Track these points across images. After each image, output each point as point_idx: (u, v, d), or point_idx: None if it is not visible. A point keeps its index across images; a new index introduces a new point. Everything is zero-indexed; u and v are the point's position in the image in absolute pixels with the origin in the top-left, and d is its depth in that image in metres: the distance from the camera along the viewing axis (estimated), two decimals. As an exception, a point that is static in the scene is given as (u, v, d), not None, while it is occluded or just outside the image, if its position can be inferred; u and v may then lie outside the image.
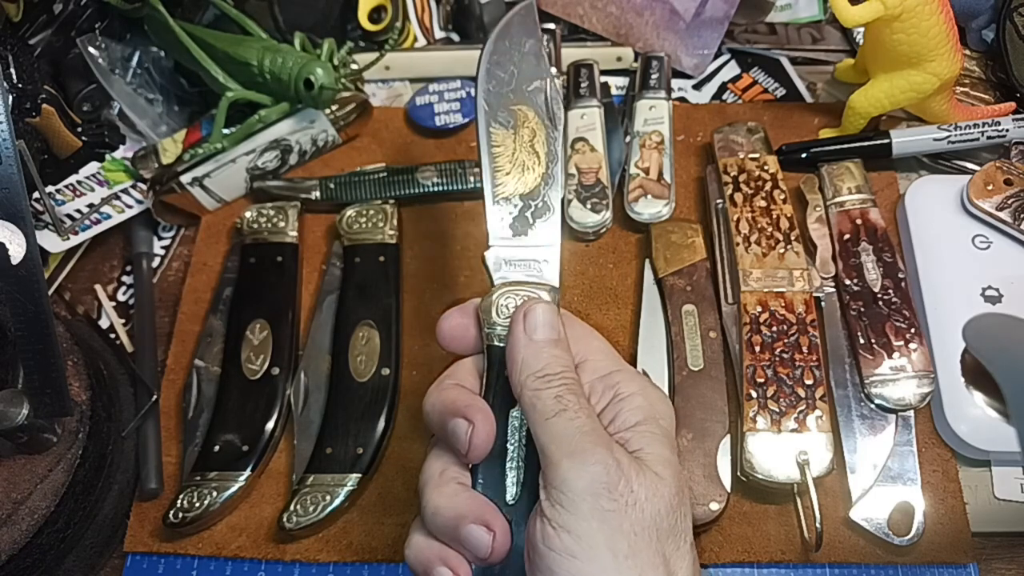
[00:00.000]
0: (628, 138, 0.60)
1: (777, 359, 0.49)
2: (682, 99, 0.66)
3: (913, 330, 0.50)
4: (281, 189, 0.60)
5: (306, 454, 0.49)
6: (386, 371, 0.51)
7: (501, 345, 0.37)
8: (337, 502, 0.47)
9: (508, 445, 0.35)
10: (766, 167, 0.56)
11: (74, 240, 0.57)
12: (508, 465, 0.35)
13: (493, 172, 0.40)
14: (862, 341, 0.50)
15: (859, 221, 0.54)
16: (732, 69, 0.68)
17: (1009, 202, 0.53)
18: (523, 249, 0.39)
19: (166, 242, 0.61)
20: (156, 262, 0.60)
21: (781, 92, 0.66)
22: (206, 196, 0.60)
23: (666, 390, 0.50)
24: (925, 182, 0.57)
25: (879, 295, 0.51)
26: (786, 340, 0.49)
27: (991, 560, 0.46)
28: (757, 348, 0.49)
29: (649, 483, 0.32)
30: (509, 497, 0.35)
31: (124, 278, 0.60)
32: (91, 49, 0.60)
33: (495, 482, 0.35)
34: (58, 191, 0.59)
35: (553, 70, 0.44)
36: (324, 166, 0.63)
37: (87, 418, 0.46)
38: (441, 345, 0.39)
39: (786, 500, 0.47)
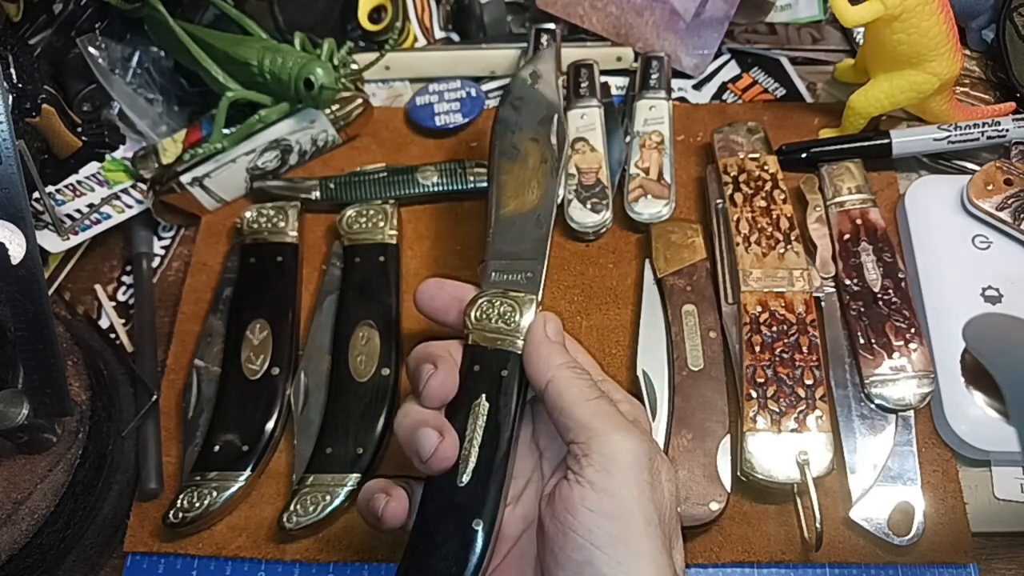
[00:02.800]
0: (628, 138, 0.60)
1: (777, 359, 0.49)
2: (682, 99, 0.66)
3: (913, 330, 0.50)
4: (281, 189, 0.60)
5: (306, 454, 0.49)
6: (386, 371, 0.51)
7: (476, 345, 0.40)
8: (337, 502, 0.47)
9: (465, 433, 0.38)
10: (766, 167, 0.56)
11: (74, 240, 0.57)
12: (463, 452, 0.37)
13: (499, 197, 0.44)
14: (862, 341, 0.50)
15: (859, 221, 0.54)
16: (732, 69, 0.68)
17: (1009, 202, 0.53)
18: (515, 263, 0.43)
19: (166, 242, 0.61)
20: (156, 262, 0.60)
21: (781, 92, 0.66)
22: (206, 196, 0.60)
23: (666, 390, 0.50)
24: (925, 182, 0.57)
25: (879, 295, 0.51)
26: (786, 340, 0.49)
27: (991, 560, 0.46)
28: (757, 348, 0.49)
29: (667, 468, 0.37)
30: (460, 480, 0.37)
31: (124, 278, 0.60)
32: (91, 49, 0.60)
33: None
34: (58, 191, 0.59)
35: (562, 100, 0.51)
36: (324, 166, 0.63)
37: (87, 418, 0.46)
38: (415, 301, 0.42)
39: (786, 500, 0.47)
